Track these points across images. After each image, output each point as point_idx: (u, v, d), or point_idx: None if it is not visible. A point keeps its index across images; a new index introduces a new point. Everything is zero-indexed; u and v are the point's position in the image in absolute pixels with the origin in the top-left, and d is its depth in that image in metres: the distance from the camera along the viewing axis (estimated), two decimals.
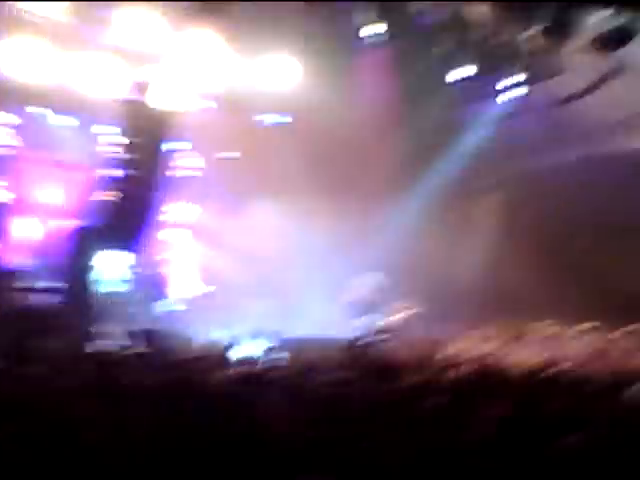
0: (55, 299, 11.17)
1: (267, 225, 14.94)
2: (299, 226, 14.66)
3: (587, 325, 12.36)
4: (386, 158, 15.21)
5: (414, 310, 13.43)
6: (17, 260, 13.49)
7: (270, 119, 15.27)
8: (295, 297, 13.49)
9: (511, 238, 15.19)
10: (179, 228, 15.68)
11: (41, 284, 12.63)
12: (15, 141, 13.44)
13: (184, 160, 14.32)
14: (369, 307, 13.97)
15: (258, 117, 15.05)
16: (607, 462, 4.10)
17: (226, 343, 9.24)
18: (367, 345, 9.03)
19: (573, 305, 13.07)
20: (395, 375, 6.75)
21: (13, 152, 13.57)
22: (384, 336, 11.36)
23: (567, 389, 6.36)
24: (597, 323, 12.36)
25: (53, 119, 13.81)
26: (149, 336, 7.77)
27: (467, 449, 4.37)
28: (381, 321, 13.46)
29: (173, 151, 12.78)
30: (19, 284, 11.47)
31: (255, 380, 6.29)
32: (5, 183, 13.36)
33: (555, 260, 14.65)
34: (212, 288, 13.45)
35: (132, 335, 9.55)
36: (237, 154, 15.38)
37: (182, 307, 13.06)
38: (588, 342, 11.77)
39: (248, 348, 8.74)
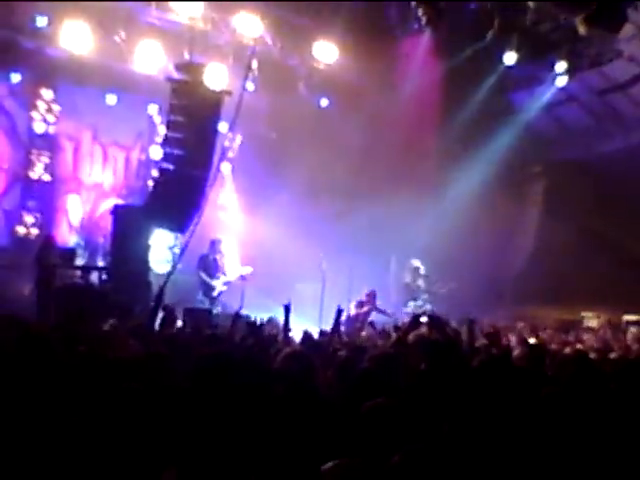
0: (107, 278, 11.22)
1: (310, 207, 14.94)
2: (342, 210, 14.65)
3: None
4: (431, 144, 15.12)
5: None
6: (69, 239, 13.65)
7: (313, 101, 15.21)
8: (339, 280, 13.45)
9: (556, 225, 15.10)
10: (227, 208, 15.81)
11: (92, 263, 12.78)
12: (65, 119, 13.56)
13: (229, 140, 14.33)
14: (413, 292, 13.99)
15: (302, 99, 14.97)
16: None
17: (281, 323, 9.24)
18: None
19: (620, 293, 13.01)
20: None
21: (63, 130, 13.71)
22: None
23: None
24: None
25: (104, 98, 13.89)
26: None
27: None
28: (426, 305, 13.50)
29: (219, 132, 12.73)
30: (72, 263, 11.53)
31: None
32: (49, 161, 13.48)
33: (599, 248, 14.58)
34: (249, 270, 13.41)
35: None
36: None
37: (234, 286, 13.06)
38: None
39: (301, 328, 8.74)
